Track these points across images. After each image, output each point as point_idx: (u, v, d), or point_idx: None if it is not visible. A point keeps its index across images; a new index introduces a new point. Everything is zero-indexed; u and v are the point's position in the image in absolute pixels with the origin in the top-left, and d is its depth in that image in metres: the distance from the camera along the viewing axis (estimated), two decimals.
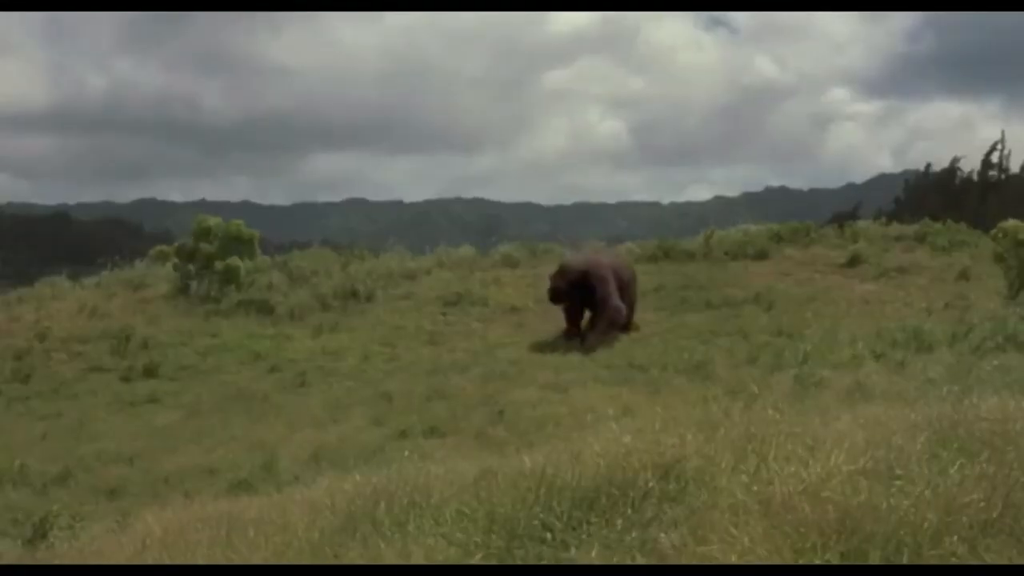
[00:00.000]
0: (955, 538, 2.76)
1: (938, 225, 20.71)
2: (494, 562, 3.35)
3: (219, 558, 4.38)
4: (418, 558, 3.49)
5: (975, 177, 48.60)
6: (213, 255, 17.73)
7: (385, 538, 3.80)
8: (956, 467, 3.20)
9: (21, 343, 15.31)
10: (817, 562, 2.74)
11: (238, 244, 18.33)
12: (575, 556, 3.27)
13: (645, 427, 4.54)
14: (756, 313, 15.54)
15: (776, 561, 2.78)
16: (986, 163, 48.05)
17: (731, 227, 21.52)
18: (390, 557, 3.58)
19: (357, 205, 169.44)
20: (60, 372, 14.36)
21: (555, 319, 14.92)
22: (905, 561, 2.72)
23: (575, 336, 14.39)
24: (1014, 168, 47.85)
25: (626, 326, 14.64)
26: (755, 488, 3.25)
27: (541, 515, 3.54)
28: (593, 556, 3.21)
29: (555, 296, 14.61)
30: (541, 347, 14.25)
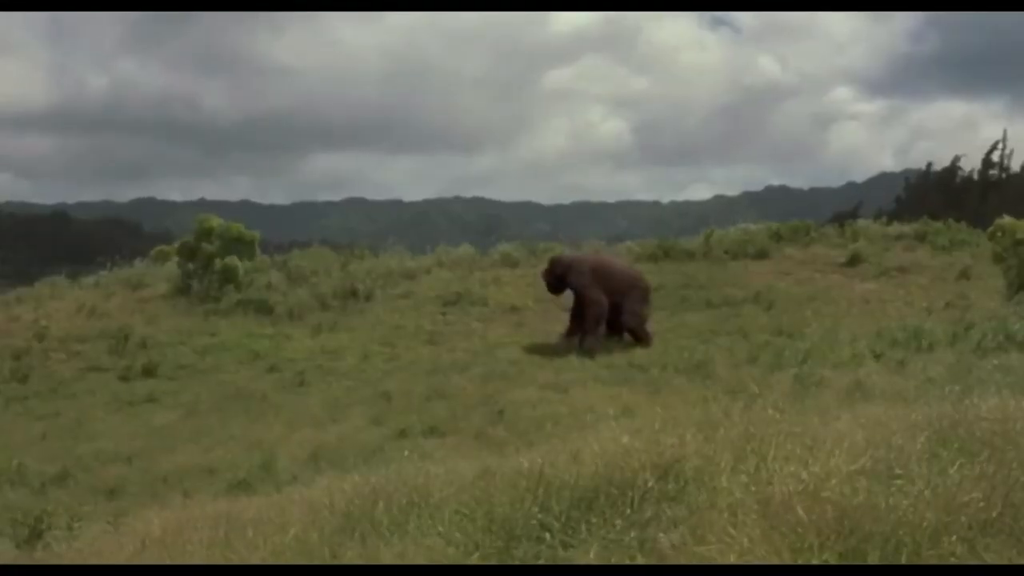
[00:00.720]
0: (954, 538, 2.75)
1: (938, 224, 20.70)
2: (493, 562, 3.34)
3: (217, 558, 4.37)
4: (416, 558, 3.48)
5: (976, 176, 48.64)
6: (213, 255, 17.73)
7: (383, 538, 3.79)
8: (956, 467, 3.18)
9: (20, 343, 15.30)
10: (815, 562, 2.73)
11: (238, 245, 18.33)
12: (573, 556, 3.26)
13: (644, 427, 4.53)
14: (756, 312, 15.55)
15: (774, 561, 2.77)
16: (987, 162, 48.11)
17: (731, 226, 21.51)
18: (388, 557, 3.57)
19: (357, 204, 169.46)
20: (58, 372, 14.35)
21: (555, 319, 14.92)
22: (904, 561, 2.71)
23: (571, 337, 14.39)
24: (1015, 167, 47.88)
25: (637, 335, 14.33)
26: (754, 488, 3.23)
27: (539, 515, 3.53)
28: (591, 556, 3.19)
29: (547, 287, 15.21)
30: (541, 347, 14.25)
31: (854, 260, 18.45)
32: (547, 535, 3.40)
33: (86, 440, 11.09)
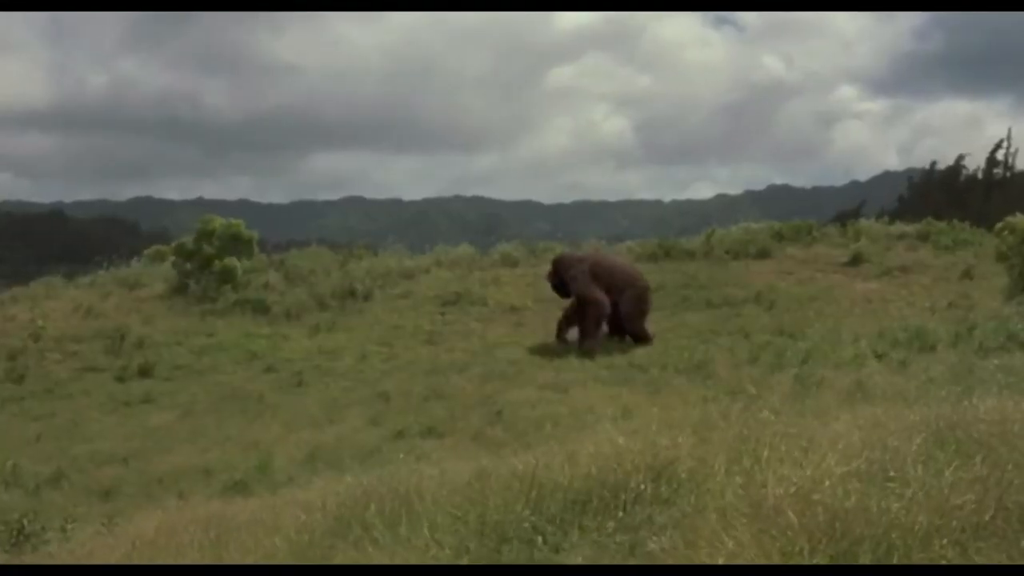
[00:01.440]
0: (945, 541, 2.71)
1: (941, 224, 20.59)
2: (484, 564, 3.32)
3: (209, 561, 4.35)
4: (407, 561, 3.45)
5: (980, 175, 48.56)
6: (212, 255, 17.69)
7: (375, 541, 3.76)
8: (951, 469, 3.14)
9: (15, 343, 15.25)
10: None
11: (237, 244, 18.29)
12: (563, 559, 3.23)
13: (641, 428, 4.50)
14: (757, 312, 15.50)
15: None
16: (991, 161, 48.03)
17: (733, 225, 21.43)
18: (379, 560, 3.55)
19: (356, 204, 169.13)
20: (54, 372, 14.32)
21: (555, 319, 14.87)
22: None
23: (563, 335, 14.39)
24: (1020, 166, 47.78)
25: (636, 336, 14.31)
26: (745, 491, 3.20)
27: (532, 518, 3.51)
28: (581, 560, 3.16)
29: (554, 290, 15.22)
30: (540, 347, 14.22)
31: (856, 260, 18.38)
32: (539, 538, 3.38)
33: (82, 441, 11.07)
